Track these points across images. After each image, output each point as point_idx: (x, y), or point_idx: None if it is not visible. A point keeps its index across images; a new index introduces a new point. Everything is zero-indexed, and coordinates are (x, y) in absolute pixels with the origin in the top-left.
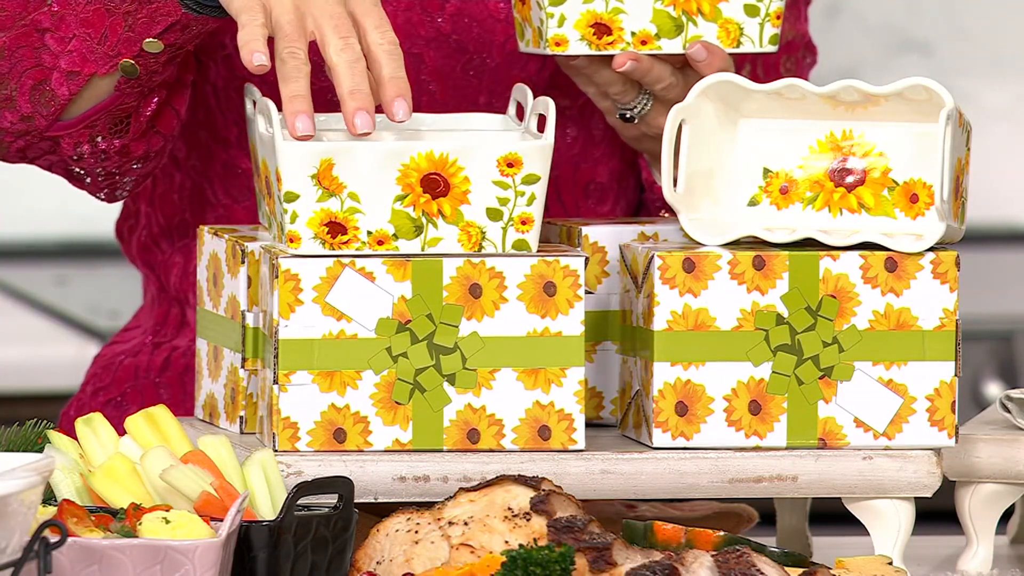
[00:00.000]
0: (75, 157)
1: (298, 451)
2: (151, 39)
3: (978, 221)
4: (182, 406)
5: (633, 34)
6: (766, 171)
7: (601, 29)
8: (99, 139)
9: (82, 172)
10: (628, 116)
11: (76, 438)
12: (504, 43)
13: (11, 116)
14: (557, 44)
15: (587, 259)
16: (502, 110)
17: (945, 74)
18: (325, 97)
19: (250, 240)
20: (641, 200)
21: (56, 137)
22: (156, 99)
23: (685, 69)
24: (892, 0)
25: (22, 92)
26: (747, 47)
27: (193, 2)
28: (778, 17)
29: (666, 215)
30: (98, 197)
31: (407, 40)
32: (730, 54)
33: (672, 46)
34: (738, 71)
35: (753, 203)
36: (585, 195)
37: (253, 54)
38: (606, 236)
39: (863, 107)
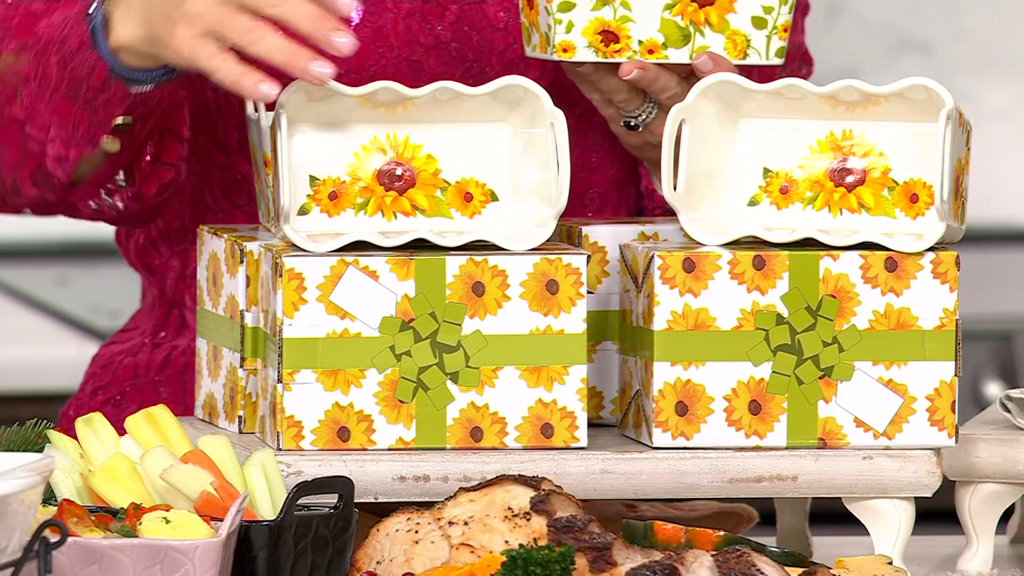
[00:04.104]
0: (94, 217)
1: (302, 450)
2: (118, 121)
3: (978, 221)
4: (182, 403)
5: (640, 43)
6: (766, 171)
7: (608, 37)
8: (111, 196)
9: (112, 217)
10: (632, 124)
11: (76, 438)
12: (504, 51)
13: (24, 199)
14: (564, 50)
15: (589, 257)
16: None
17: (945, 74)
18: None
19: (249, 240)
20: (640, 208)
21: (72, 203)
22: (150, 143)
23: (691, 79)
24: (892, 0)
25: (22, 180)
26: (753, 59)
27: (142, 80)
28: (785, 30)
29: None
30: (138, 227)
31: (407, 47)
32: (736, 66)
33: (679, 56)
34: None
35: (753, 203)
36: (582, 204)
37: (258, 87)
38: (606, 236)
39: (863, 107)
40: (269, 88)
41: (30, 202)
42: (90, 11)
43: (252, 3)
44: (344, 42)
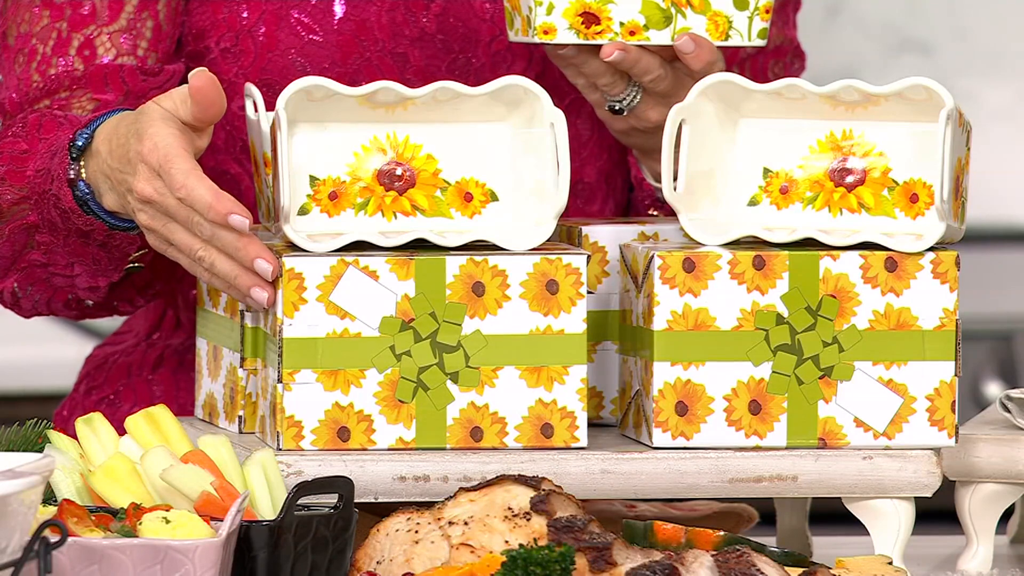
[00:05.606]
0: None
1: (302, 450)
2: (131, 263)
3: (978, 221)
4: (175, 402)
5: (622, 24)
6: (766, 171)
7: (589, 18)
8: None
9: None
10: (617, 108)
11: (74, 437)
12: (490, 42)
13: (74, 313)
14: (545, 32)
15: (589, 257)
16: None
17: (945, 74)
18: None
19: None
20: (629, 199)
21: (112, 305)
22: None
23: (674, 62)
24: (892, 0)
25: (57, 310)
26: (735, 40)
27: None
28: (767, 11)
29: (654, 213)
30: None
31: (392, 39)
32: (718, 47)
33: (660, 37)
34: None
35: (753, 203)
36: (573, 194)
37: (255, 261)
38: (606, 236)
39: (863, 107)
40: (259, 292)
41: (72, 318)
42: (71, 176)
43: (181, 240)
44: (263, 297)
